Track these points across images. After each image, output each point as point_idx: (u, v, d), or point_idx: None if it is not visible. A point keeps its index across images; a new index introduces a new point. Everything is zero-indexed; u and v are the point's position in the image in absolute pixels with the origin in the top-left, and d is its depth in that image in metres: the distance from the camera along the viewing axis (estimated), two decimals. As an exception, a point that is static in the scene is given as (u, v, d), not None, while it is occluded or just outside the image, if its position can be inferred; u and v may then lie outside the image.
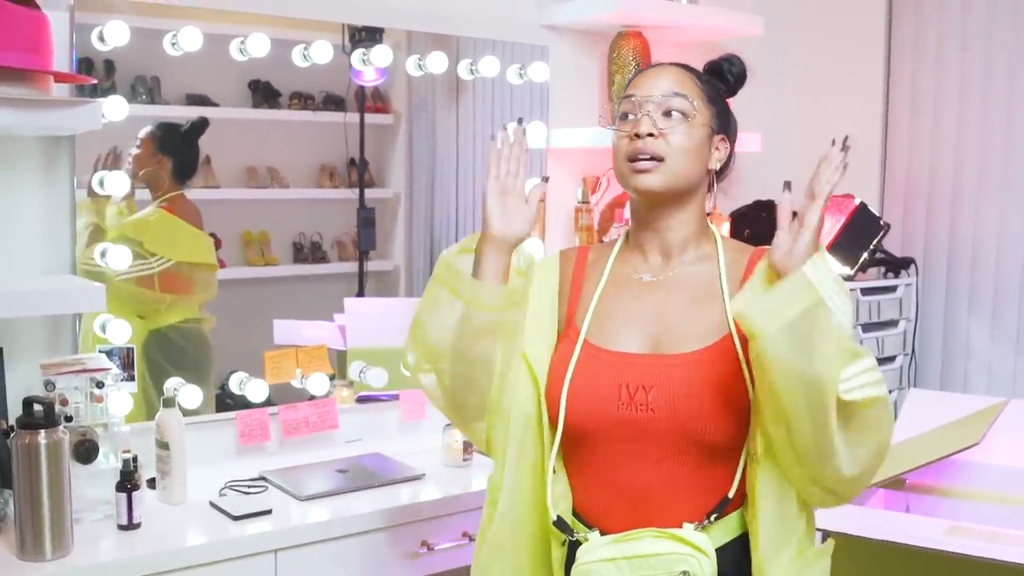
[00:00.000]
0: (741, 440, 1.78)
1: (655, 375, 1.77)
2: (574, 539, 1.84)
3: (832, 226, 3.66)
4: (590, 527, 1.84)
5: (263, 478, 2.65)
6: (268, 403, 2.85)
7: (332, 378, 2.98)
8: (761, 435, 1.74)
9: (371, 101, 3.16)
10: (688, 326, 1.82)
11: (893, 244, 4.11)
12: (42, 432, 2.09)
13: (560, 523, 1.85)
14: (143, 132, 2.70)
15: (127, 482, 2.26)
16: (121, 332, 2.57)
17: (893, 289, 3.80)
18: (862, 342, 3.64)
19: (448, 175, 3.33)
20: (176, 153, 2.78)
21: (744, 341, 1.77)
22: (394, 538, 2.46)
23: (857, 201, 3.72)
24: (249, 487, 2.57)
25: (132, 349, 2.60)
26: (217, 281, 2.88)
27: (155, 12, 2.64)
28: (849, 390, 1.63)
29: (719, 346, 1.79)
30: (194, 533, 2.29)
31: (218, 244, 2.87)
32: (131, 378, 2.60)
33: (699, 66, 1.99)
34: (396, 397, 3.07)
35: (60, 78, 2.33)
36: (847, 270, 3.62)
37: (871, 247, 3.67)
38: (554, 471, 1.87)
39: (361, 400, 3.05)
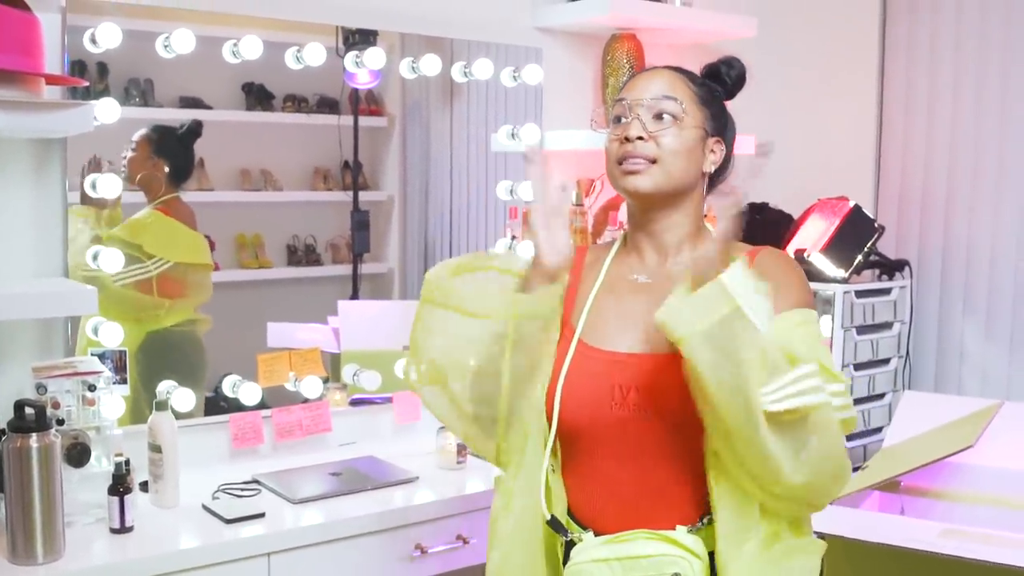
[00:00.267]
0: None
1: (648, 375, 1.77)
2: (569, 539, 1.84)
3: (827, 229, 3.66)
4: (584, 527, 1.84)
5: (256, 481, 2.64)
6: (261, 406, 2.84)
7: (325, 381, 2.98)
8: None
9: (365, 104, 3.16)
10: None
11: (887, 247, 4.10)
12: (34, 435, 2.09)
13: (554, 523, 1.85)
14: (137, 135, 2.69)
15: (119, 485, 2.25)
16: (113, 335, 2.56)
17: (887, 291, 3.79)
18: (857, 345, 3.64)
19: (442, 177, 3.33)
20: (172, 156, 2.77)
21: None
22: (388, 541, 2.46)
23: (851, 203, 3.72)
24: (242, 490, 2.57)
25: (124, 352, 2.59)
26: (212, 283, 2.87)
27: (147, 14, 2.63)
28: (773, 401, 1.59)
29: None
30: (187, 537, 2.28)
31: (212, 247, 2.87)
32: (123, 381, 2.59)
33: (695, 68, 1.99)
34: (390, 400, 3.07)
35: (52, 80, 2.32)
36: (842, 272, 3.62)
37: (865, 249, 3.67)
38: (553, 470, 1.87)
39: (354, 403, 3.04)
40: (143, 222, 2.72)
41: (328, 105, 3.08)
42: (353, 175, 3.15)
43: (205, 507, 2.43)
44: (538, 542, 1.88)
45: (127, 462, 2.28)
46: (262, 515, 2.38)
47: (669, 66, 1.96)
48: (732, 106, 2.02)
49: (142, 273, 2.69)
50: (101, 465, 2.33)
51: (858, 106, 4.33)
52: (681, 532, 1.76)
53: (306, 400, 2.92)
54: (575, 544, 1.82)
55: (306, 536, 2.34)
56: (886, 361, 3.81)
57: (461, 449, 2.78)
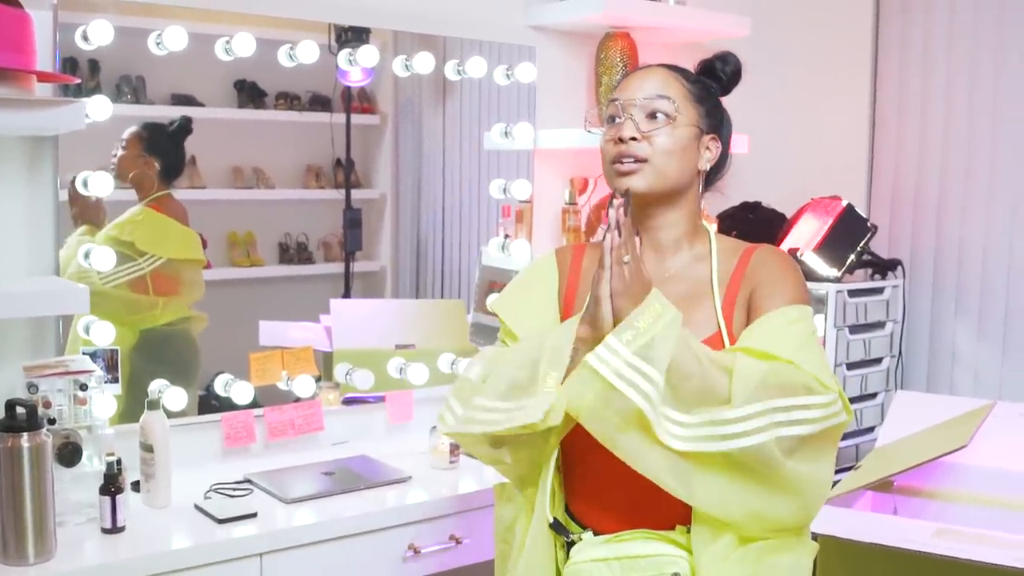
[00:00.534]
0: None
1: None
2: (570, 540, 1.84)
3: (820, 228, 3.67)
4: (584, 527, 1.84)
5: (248, 481, 2.63)
6: (254, 405, 2.83)
7: (318, 380, 2.97)
8: None
9: (357, 101, 3.15)
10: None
11: (880, 246, 4.11)
12: (25, 435, 2.08)
13: (557, 525, 1.85)
14: (128, 133, 2.68)
15: (111, 485, 2.24)
16: (105, 334, 2.55)
17: (880, 291, 3.80)
18: (849, 344, 3.64)
19: (435, 176, 3.32)
20: (163, 153, 2.76)
21: (733, 340, 1.79)
22: (381, 541, 2.45)
23: (844, 203, 3.72)
24: (234, 490, 2.56)
25: (116, 351, 2.58)
26: (203, 280, 2.86)
27: (140, 11, 2.62)
28: (673, 437, 1.67)
29: (707, 344, 1.79)
30: (179, 536, 2.27)
31: (204, 245, 2.86)
32: (115, 380, 2.58)
33: (689, 67, 1.98)
34: (382, 399, 3.06)
35: (43, 78, 2.31)
36: (834, 272, 3.62)
37: (858, 249, 3.68)
38: (557, 470, 1.87)
39: (347, 402, 3.04)
40: (133, 219, 2.70)
41: (320, 103, 3.07)
42: (345, 173, 3.14)
43: (197, 507, 2.42)
44: (550, 546, 1.88)
45: (119, 462, 2.27)
46: (254, 515, 2.37)
47: (663, 64, 1.95)
48: (726, 105, 2.02)
49: (135, 271, 2.68)
50: (92, 465, 2.32)
51: (851, 106, 4.34)
52: (680, 532, 1.76)
53: (298, 399, 2.91)
54: (575, 544, 1.82)
55: (299, 536, 2.33)
56: (878, 361, 3.82)
57: (454, 449, 2.77)
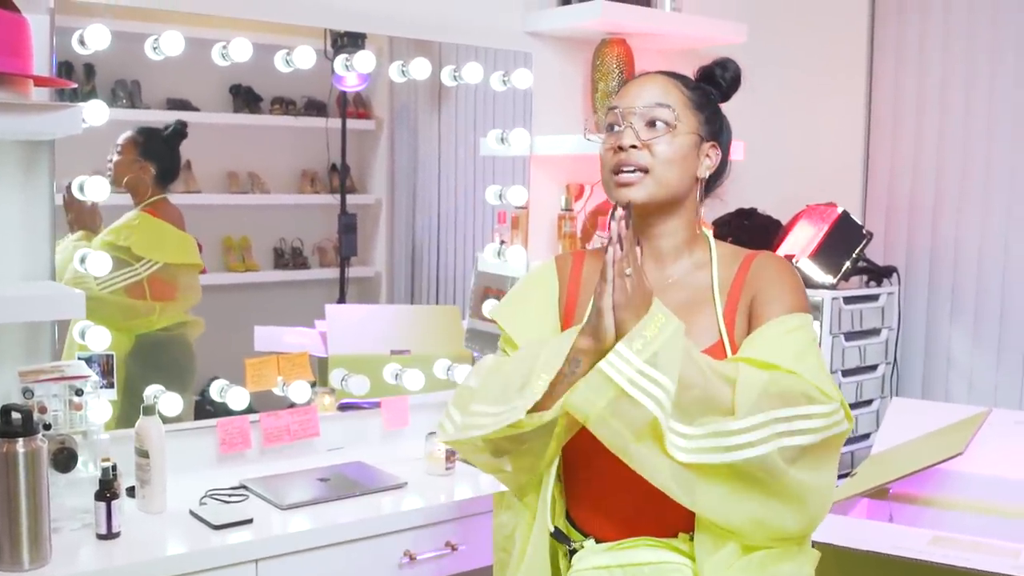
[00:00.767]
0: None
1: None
2: (572, 548, 1.84)
3: (815, 235, 3.67)
4: (586, 535, 1.84)
5: (244, 487, 2.62)
6: (249, 411, 2.82)
7: (313, 385, 2.96)
8: None
9: (353, 107, 3.15)
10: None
11: (875, 253, 4.11)
12: (20, 440, 2.07)
13: (558, 534, 1.84)
14: (122, 137, 2.67)
15: (106, 491, 2.23)
16: (100, 339, 2.54)
17: (875, 298, 3.80)
18: (844, 351, 3.64)
19: (430, 181, 3.32)
20: (158, 158, 2.75)
21: (735, 347, 1.79)
22: (376, 548, 2.44)
23: (840, 210, 3.72)
24: (230, 496, 2.55)
25: (112, 356, 2.57)
26: (200, 284, 2.86)
27: (136, 16, 2.62)
28: (681, 450, 1.67)
29: (710, 352, 1.79)
30: (174, 542, 2.26)
31: (199, 249, 2.85)
32: (110, 385, 2.57)
33: (687, 73, 1.98)
34: (378, 405, 3.06)
35: (40, 82, 2.31)
36: (830, 279, 3.62)
37: (854, 255, 3.68)
38: (558, 478, 1.87)
39: (343, 408, 3.03)
40: (129, 224, 2.70)
41: (316, 108, 3.06)
42: (341, 178, 3.14)
43: (192, 513, 2.41)
44: (551, 555, 1.87)
45: (114, 467, 2.26)
46: (250, 521, 2.36)
47: (662, 71, 1.95)
48: (723, 111, 2.02)
49: (132, 276, 2.67)
50: (88, 470, 2.31)
51: (847, 108, 4.35)
52: (683, 539, 1.76)
53: (294, 405, 2.91)
54: (577, 552, 1.82)
55: (294, 542, 2.33)
56: (874, 367, 3.82)
57: (450, 455, 2.77)
